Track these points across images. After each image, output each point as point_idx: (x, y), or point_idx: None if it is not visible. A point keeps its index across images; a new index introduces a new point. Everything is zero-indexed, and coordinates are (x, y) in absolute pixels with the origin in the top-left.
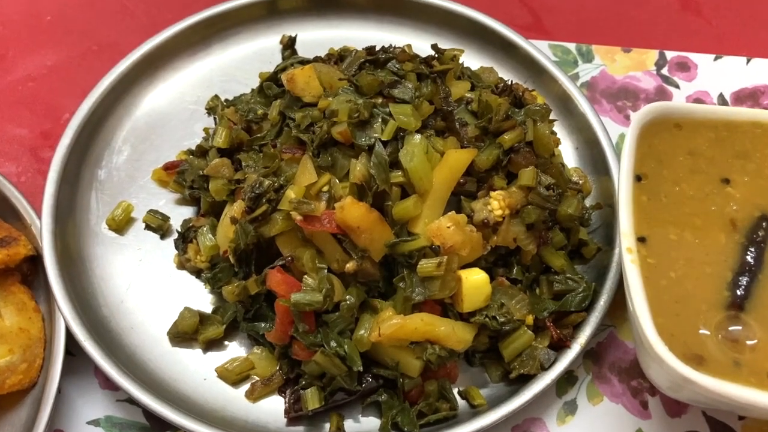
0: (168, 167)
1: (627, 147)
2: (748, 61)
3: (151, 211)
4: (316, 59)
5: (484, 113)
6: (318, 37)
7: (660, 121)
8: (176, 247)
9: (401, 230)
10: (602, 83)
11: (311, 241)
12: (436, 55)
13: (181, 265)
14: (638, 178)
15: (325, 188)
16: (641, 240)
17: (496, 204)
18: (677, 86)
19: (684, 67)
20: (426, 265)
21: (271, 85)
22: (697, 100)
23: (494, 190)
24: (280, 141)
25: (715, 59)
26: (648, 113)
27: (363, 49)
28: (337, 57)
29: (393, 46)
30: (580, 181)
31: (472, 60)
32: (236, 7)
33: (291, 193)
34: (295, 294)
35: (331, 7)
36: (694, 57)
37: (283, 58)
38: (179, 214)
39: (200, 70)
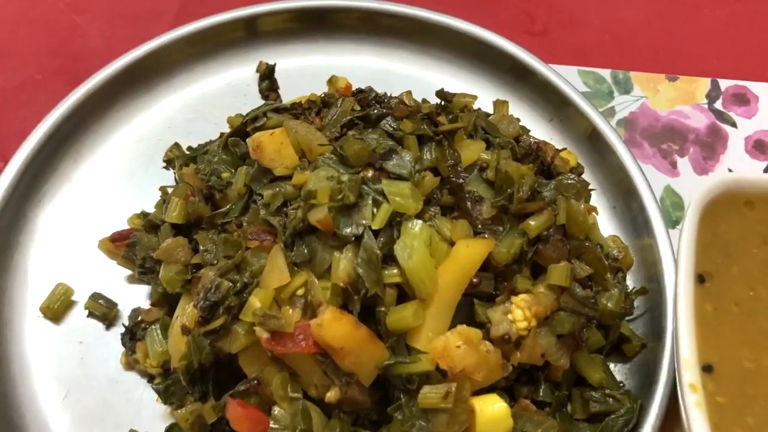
0: (115, 238)
1: (685, 237)
2: None
3: (94, 295)
4: (293, 107)
5: (504, 187)
6: (304, 64)
7: (726, 198)
8: (123, 343)
9: (398, 343)
10: (643, 120)
11: (283, 360)
12: (442, 104)
13: (129, 366)
14: (701, 279)
15: (301, 292)
16: (707, 369)
17: (519, 314)
18: (734, 124)
19: (742, 99)
20: (429, 395)
21: (238, 141)
22: (759, 143)
23: (517, 293)
24: (247, 220)
25: None
26: (710, 191)
27: (353, 93)
28: (320, 105)
29: (389, 96)
30: (620, 255)
31: (481, 91)
32: (206, 28)
33: (256, 301)
34: None
35: (319, 28)
36: (755, 87)
37: (260, 91)
38: (130, 296)
39: (161, 106)
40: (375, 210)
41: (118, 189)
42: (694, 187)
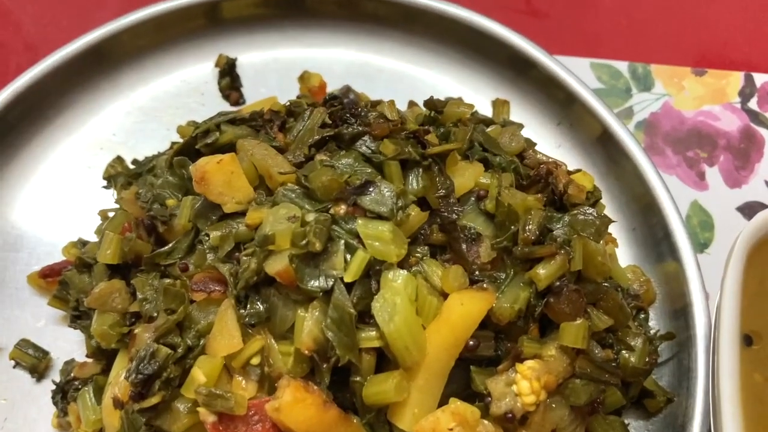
0: (46, 274)
1: (728, 288)
2: None
3: (21, 342)
4: (253, 118)
5: (506, 223)
6: (271, 57)
7: None
8: (54, 404)
9: (377, 420)
10: (666, 123)
11: None
12: (430, 113)
13: (62, 429)
14: (748, 340)
15: (256, 360)
16: None
17: (525, 386)
18: None
19: None
20: None
21: (186, 161)
22: None
23: (522, 360)
24: (193, 263)
25: None
26: (758, 229)
27: (324, 101)
28: (285, 115)
29: (367, 107)
30: (641, 290)
31: (477, 89)
32: (158, 16)
33: (200, 375)
34: None
35: (290, 14)
36: None
37: (220, 90)
38: (65, 342)
39: (107, 110)
40: (348, 257)
41: (53, 211)
42: (726, 203)
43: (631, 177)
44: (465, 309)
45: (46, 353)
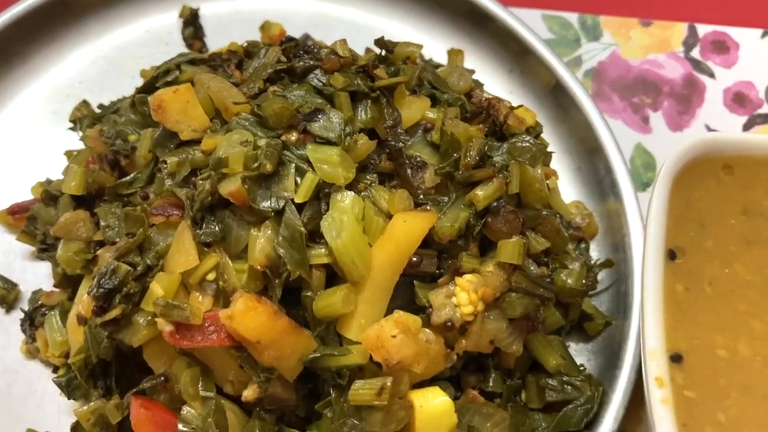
0: (14, 211)
1: (654, 207)
2: None
3: None
4: (212, 58)
5: (450, 151)
6: (233, 8)
7: (702, 162)
8: (23, 331)
9: (327, 332)
10: (613, 71)
11: (193, 354)
12: (382, 53)
13: (30, 355)
14: (671, 255)
15: (211, 276)
16: (675, 359)
17: (464, 297)
18: (712, 75)
19: (721, 46)
20: (362, 391)
21: (147, 98)
22: (739, 96)
23: (462, 273)
24: (153, 191)
25: (764, 35)
26: (685, 153)
27: (281, 42)
28: (243, 56)
29: (318, 46)
30: (583, 223)
31: (434, 39)
32: None
33: (158, 289)
34: None
35: None
36: (735, 33)
37: (184, 40)
38: (34, 274)
39: (71, 58)
40: (298, 180)
41: (21, 154)
42: (668, 146)
43: (577, 121)
44: (408, 226)
45: (14, 285)
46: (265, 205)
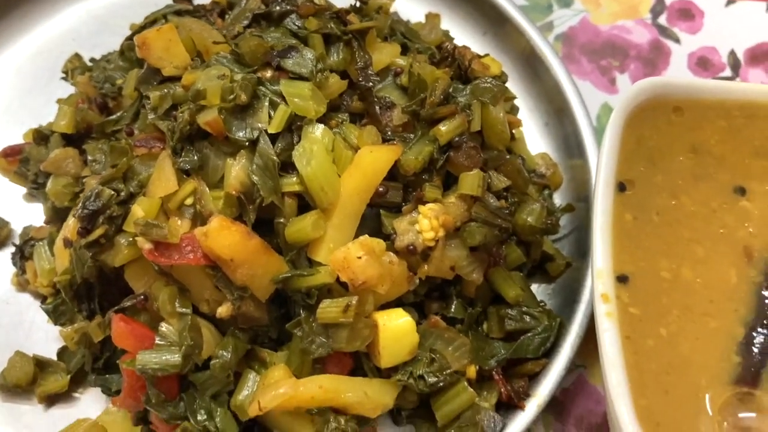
0: (7, 153)
1: (607, 142)
2: None
3: None
4: (197, 9)
5: (417, 92)
6: None
7: (654, 104)
8: (13, 264)
9: (298, 257)
10: (582, 36)
11: (171, 274)
12: (358, 5)
13: (20, 287)
14: (621, 187)
15: (189, 201)
16: (622, 279)
17: (426, 223)
18: (677, 40)
19: (687, 14)
20: (329, 309)
21: (133, 44)
22: (702, 60)
23: (425, 203)
24: (137, 127)
25: (727, 4)
26: (637, 95)
27: None
28: (223, 7)
29: None
30: (548, 172)
31: (412, 3)
32: None
33: (138, 210)
34: (143, 354)
35: None
36: (700, 1)
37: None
38: (25, 215)
39: (64, 17)
40: (272, 112)
41: (14, 104)
42: None
43: (547, 82)
44: (374, 156)
45: (6, 222)
46: (240, 135)
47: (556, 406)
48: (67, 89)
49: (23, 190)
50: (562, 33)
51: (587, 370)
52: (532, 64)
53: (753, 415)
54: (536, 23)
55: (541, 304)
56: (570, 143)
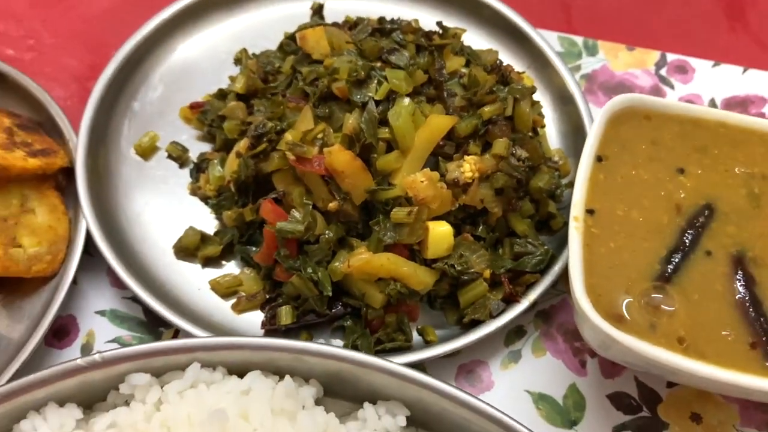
0: (193, 106)
1: (594, 129)
2: (745, 70)
3: (173, 142)
4: (334, 24)
5: (472, 87)
6: (347, 7)
7: (632, 111)
8: (191, 176)
9: (382, 181)
10: (601, 77)
11: (302, 180)
12: (440, 31)
13: (193, 192)
14: (599, 159)
15: (320, 135)
16: (590, 212)
17: (467, 166)
18: (672, 86)
19: (682, 69)
20: (398, 213)
21: (290, 42)
22: (689, 102)
23: (469, 155)
24: (289, 92)
25: (714, 66)
26: (621, 102)
27: (376, 19)
28: (352, 23)
29: (401, 19)
30: (560, 161)
31: (481, 41)
32: None
33: (289, 136)
34: (281, 222)
35: None
36: (693, 61)
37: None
38: (197, 148)
39: (234, 25)
40: (378, 87)
41: (196, 78)
42: None
43: (570, 106)
44: (440, 120)
45: (186, 150)
46: (357, 98)
47: (544, 315)
48: (232, 71)
49: (187, 135)
50: (587, 73)
51: (568, 295)
52: (562, 94)
53: (661, 296)
54: (568, 65)
55: (540, 243)
56: (580, 150)
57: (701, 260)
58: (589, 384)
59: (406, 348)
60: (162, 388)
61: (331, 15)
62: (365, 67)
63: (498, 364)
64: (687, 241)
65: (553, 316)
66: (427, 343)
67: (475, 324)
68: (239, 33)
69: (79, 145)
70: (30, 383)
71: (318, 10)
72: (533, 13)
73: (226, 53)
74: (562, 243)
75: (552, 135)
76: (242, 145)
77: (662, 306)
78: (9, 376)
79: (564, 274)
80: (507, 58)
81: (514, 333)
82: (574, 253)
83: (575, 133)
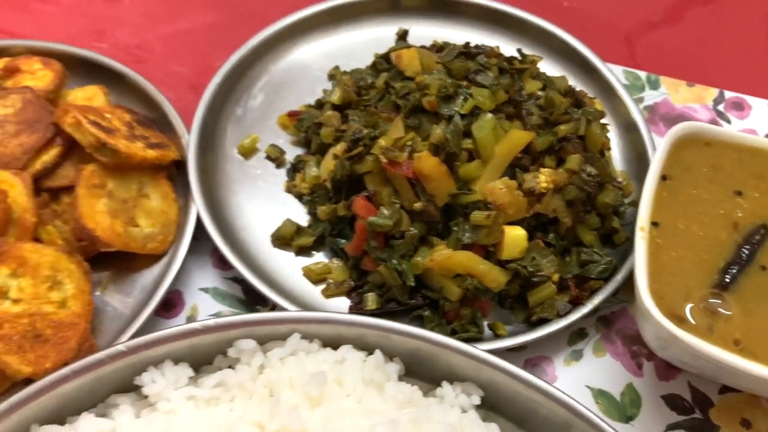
0: (291, 114)
1: (659, 152)
2: None
3: (272, 144)
4: (422, 47)
5: (548, 108)
6: (428, 33)
7: (694, 137)
8: (287, 175)
9: (463, 186)
10: (662, 109)
11: (391, 181)
12: (519, 58)
13: (288, 189)
14: (664, 178)
15: (409, 143)
16: (654, 224)
17: (543, 178)
18: (729, 121)
19: (739, 106)
20: (477, 216)
21: (382, 62)
22: None
23: (544, 167)
24: (382, 104)
25: None
26: (685, 129)
27: (461, 44)
28: (439, 47)
29: (485, 45)
30: (624, 182)
31: (553, 69)
32: (364, 1)
33: (382, 142)
34: (372, 217)
35: (444, 10)
36: (750, 99)
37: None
38: (293, 152)
39: (328, 45)
40: (464, 103)
41: (294, 89)
42: None
43: (634, 134)
44: (519, 135)
45: (283, 152)
46: (444, 111)
47: (605, 320)
48: (325, 86)
49: (284, 140)
50: (649, 105)
51: (629, 305)
52: (626, 123)
53: (719, 301)
54: (632, 96)
55: (604, 253)
56: (643, 174)
57: (757, 273)
58: (645, 384)
59: (478, 339)
60: (265, 354)
61: (413, 40)
62: (453, 84)
63: (561, 360)
64: (744, 255)
65: (614, 322)
66: (497, 337)
67: (541, 323)
68: (330, 52)
69: (191, 142)
70: (151, 340)
71: (403, 36)
72: (600, 47)
73: (318, 70)
74: (624, 256)
75: (616, 159)
76: (339, 148)
77: (719, 310)
78: (127, 338)
79: (625, 284)
80: (576, 86)
81: (576, 334)
82: (640, 259)
83: (638, 158)
